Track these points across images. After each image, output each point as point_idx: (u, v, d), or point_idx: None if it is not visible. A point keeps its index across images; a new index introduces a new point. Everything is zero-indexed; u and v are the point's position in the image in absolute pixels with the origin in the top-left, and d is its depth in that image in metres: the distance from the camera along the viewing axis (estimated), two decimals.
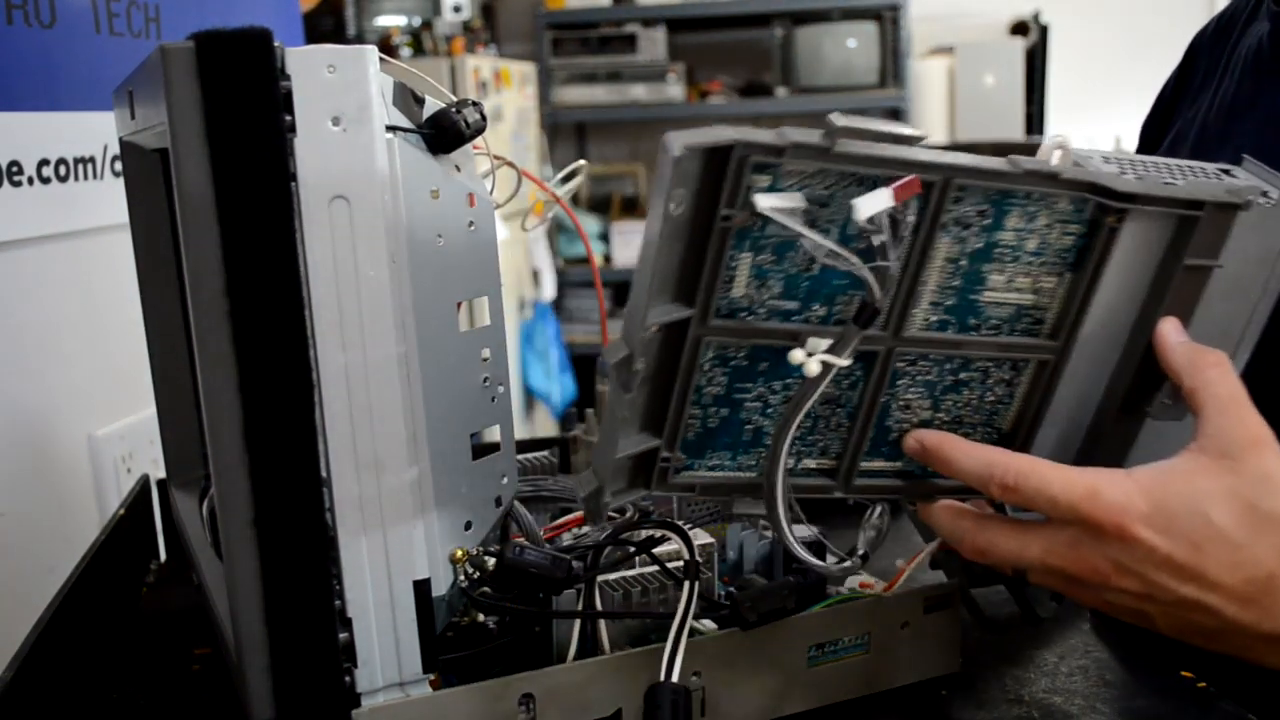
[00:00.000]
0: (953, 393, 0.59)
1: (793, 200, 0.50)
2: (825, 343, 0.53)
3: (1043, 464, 0.55)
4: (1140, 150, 1.04)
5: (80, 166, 1.07)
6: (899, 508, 0.72)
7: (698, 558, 0.62)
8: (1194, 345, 0.58)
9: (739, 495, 0.59)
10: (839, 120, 0.49)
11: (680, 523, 0.66)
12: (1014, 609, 0.70)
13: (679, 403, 0.54)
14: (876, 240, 0.51)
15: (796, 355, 0.53)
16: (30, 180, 1.01)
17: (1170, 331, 0.58)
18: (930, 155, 0.52)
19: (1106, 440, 0.61)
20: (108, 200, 1.09)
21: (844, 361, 0.53)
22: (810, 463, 0.60)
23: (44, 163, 1.02)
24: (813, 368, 0.53)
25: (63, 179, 1.05)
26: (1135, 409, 0.61)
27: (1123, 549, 0.53)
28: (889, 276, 0.52)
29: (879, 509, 0.64)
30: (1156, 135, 0.99)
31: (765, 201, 0.50)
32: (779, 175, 0.50)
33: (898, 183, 0.50)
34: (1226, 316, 0.60)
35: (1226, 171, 0.59)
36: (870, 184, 0.51)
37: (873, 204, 0.50)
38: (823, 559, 0.62)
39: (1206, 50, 0.96)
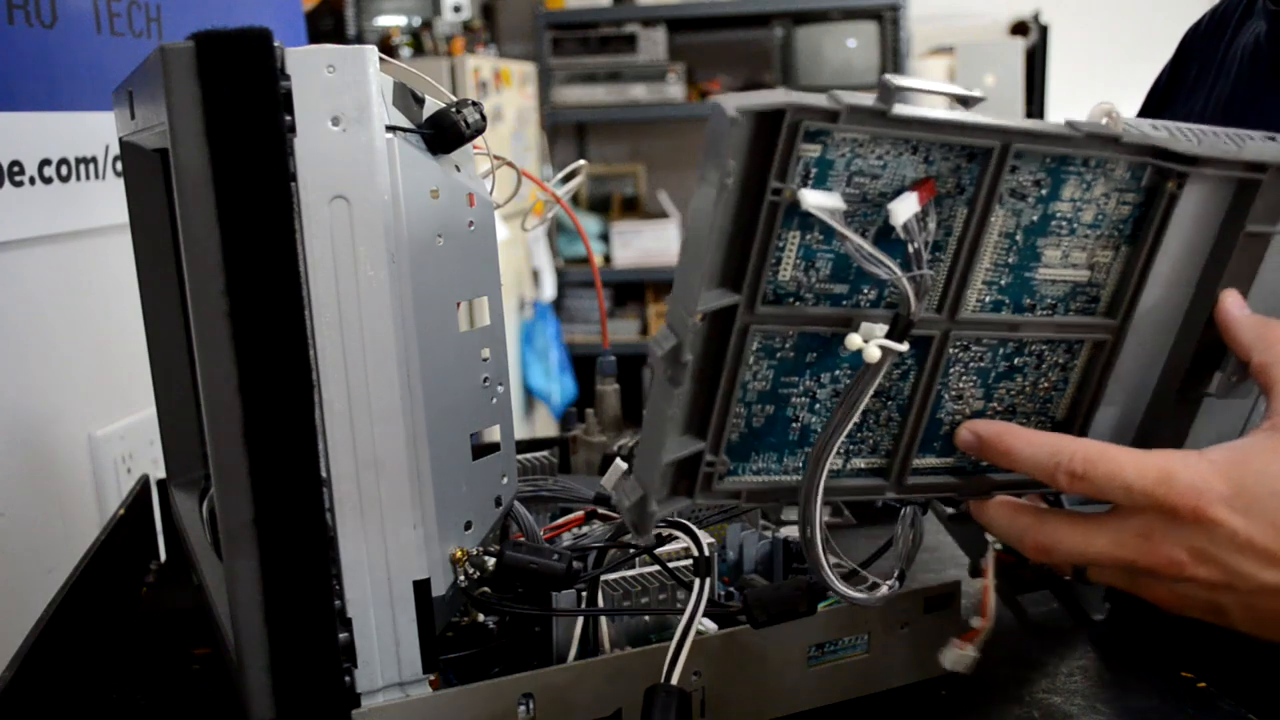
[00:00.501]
0: (1006, 380, 0.56)
1: (835, 200, 0.49)
2: (881, 327, 0.51)
3: (1112, 448, 0.52)
4: None
5: (82, 166, 1.07)
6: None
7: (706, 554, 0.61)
8: (1261, 318, 0.55)
9: (788, 502, 0.55)
10: (895, 80, 0.47)
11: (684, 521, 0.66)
12: (1053, 608, 0.68)
13: (724, 400, 0.50)
14: (911, 248, 0.50)
15: (854, 340, 0.50)
16: (32, 180, 1.01)
17: (1233, 304, 0.56)
18: (988, 119, 0.50)
19: (1165, 423, 0.58)
20: (109, 200, 1.09)
21: (903, 346, 0.51)
22: (860, 462, 0.56)
23: (45, 163, 1.02)
24: (872, 353, 0.50)
25: (64, 179, 1.05)
26: (1194, 388, 0.58)
27: (1200, 534, 0.50)
28: (924, 284, 0.50)
29: (911, 515, 0.61)
30: None
31: (811, 199, 0.48)
32: (830, 144, 0.48)
33: (919, 186, 0.49)
34: None
35: (1272, 138, 0.57)
36: (925, 152, 0.50)
37: (905, 208, 0.49)
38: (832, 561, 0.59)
39: (1200, 46, 0.95)
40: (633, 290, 3.98)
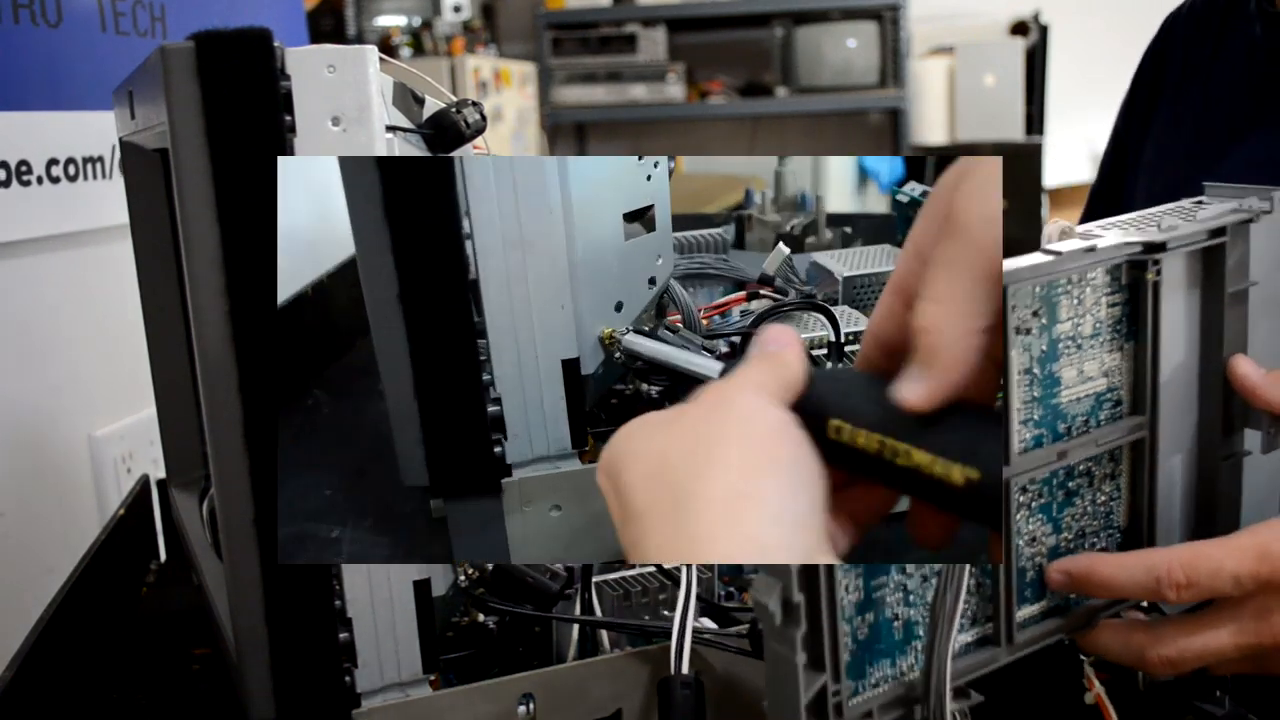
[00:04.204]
0: (1068, 507, 0.57)
1: None
2: None
3: (1201, 545, 0.53)
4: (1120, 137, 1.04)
5: (89, 166, 1.07)
6: None
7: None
8: (1276, 372, 0.57)
9: (918, 706, 0.52)
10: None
11: None
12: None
13: (831, 621, 0.49)
14: None
15: None
16: (40, 180, 1.01)
17: (1246, 368, 0.58)
18: None
19: (1220, 496, 0.60)
20: (116, 200, 1.09)
21: None
22: (966, 636, 0.55)
23: (53, 162, 1.02)
24: None
25: (71, 179, 1.05)
26: (1232, 450, 0.60)
27: None
28: None
29: None
30: (1136, 126, 0.99)
31: None
32: None
33: None
34: (1272, 333, 0.60)
35: (1199, 203, 0.60)
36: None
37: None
38: None
39: (1185, 37, 0.95)
40: None
